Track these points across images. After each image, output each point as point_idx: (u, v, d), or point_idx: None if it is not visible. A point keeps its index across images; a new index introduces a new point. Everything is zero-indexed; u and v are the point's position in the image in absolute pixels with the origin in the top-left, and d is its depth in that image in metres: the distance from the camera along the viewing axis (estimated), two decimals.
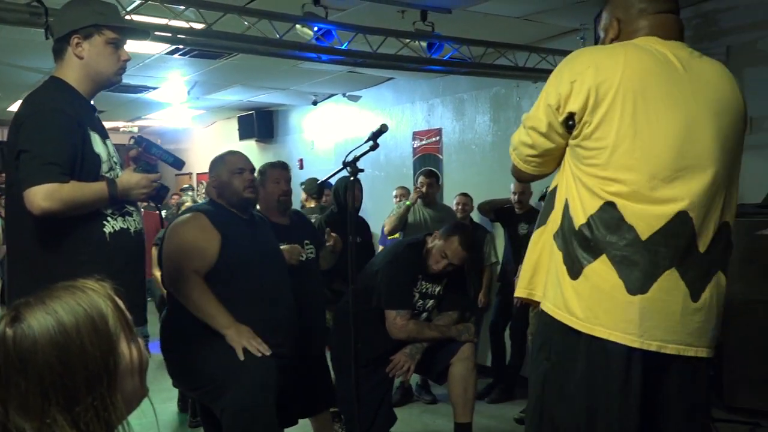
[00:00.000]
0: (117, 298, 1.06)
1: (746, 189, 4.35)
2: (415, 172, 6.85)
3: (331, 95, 8.04)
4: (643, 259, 1.68)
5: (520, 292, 1.97)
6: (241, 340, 2.65)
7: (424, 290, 3.57)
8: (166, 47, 5.42)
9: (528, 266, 1.94)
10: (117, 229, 2.21)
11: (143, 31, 2.57)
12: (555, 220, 1.84)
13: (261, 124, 9.19)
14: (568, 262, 1.76)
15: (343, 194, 4.55)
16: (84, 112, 2.21)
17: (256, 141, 9.39)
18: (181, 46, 5.28)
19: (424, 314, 3.64)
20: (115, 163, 2.29)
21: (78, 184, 2.08)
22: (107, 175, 2.21)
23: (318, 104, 8.23)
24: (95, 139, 2.20)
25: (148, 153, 2.37)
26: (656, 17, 1.81)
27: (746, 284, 3.92)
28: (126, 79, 2.29)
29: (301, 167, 8.60)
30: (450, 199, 5.91)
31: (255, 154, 9.09)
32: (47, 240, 2.10)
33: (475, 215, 5.73)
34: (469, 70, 5.14)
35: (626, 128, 1.67)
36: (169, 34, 3.93)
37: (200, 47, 5.02)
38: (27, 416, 0.96)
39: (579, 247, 1.74)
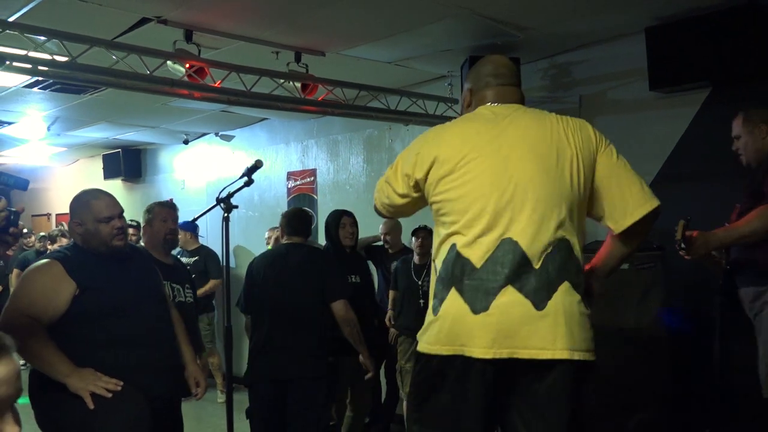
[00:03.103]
0: None
1: (601, 226, 4.66)
2: None
3: (204, 134, 7.89)
4: (481, 283, 1.97)
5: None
6: (87, 385, 2.50)
7: None
8: (25, 79, 5.13)
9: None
10: None
11: None
12: (434, 274, 2.14)
13: (128, 162, 8.85)
14: (435, 302, 2.08)
15: (334, 230, 4.38)
16: None
17: (122, 180, 9.03)
18: (41, 79, 5.02)
19: None
20: None
21: None
22: None
23: (189, 143, 8.04)
24: None
25: None
26: (498, 88, 2.20)
27: (595, 313, 4.17)
28: None
29: None
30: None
31: (121, 194, 8.71)
32: None
33: None
34: (344, 111, 5.23)
35: (460, 179, 2.04)
36: (29, 65, 3.72)
37: (63, 80, 4.78)
38: None
39: (440, 288, 2.06)
